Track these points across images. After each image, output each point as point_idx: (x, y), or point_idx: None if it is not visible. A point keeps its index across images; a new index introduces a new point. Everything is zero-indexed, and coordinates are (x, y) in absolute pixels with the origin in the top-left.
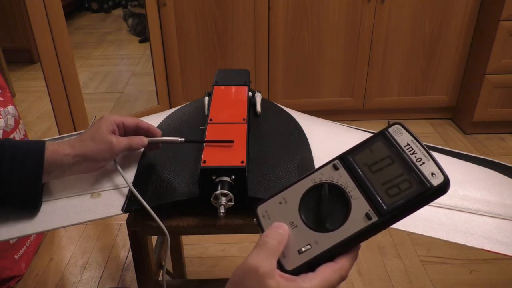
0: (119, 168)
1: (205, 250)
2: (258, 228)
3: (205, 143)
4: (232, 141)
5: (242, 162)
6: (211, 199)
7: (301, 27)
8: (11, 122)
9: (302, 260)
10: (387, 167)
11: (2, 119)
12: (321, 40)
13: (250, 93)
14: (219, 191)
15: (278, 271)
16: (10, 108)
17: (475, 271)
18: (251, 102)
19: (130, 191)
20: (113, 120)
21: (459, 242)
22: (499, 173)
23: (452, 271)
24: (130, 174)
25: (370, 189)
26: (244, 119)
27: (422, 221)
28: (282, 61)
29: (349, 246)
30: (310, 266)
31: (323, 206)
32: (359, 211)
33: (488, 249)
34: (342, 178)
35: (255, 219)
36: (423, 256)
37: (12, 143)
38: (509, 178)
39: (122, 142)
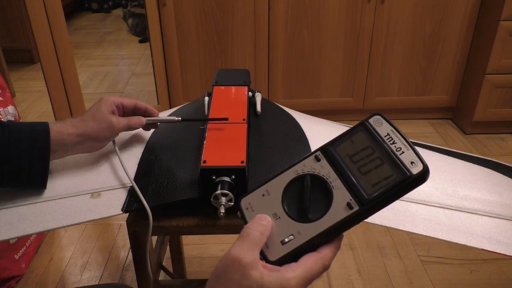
0: (119, 154)
1: (205, 250)
2: None
3: (205, 140)
4: (226, 119)
5: (242, 162)
6: (211, 199)
7: (301, 27)
8: None
9: (285, 251)
10: (368, 157)
11: (2, 119)
12: (321, 40)
13: (250, 93)
14: (219, 191)
15: (261, 262)
16: (10, 108)
17: (475, 271)
18: (251, 102)
19: (129, 191)
20: (112, 101)
21: (459, 242)
22: (499, 173)
23: (452, 271)
24: (130, 174)
25: (351, 179)
26: (244, 119)
27: (422, 221)
28: (282, 61)
29: (331, 236)
30: (293, 256)
31: (305, 197)
32: (341, 201)
33: (488, 249)
34: (324, 169)
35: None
36: (423, 256)
37: (17, 125)
38: (509, 178)
39: (122, 121)
